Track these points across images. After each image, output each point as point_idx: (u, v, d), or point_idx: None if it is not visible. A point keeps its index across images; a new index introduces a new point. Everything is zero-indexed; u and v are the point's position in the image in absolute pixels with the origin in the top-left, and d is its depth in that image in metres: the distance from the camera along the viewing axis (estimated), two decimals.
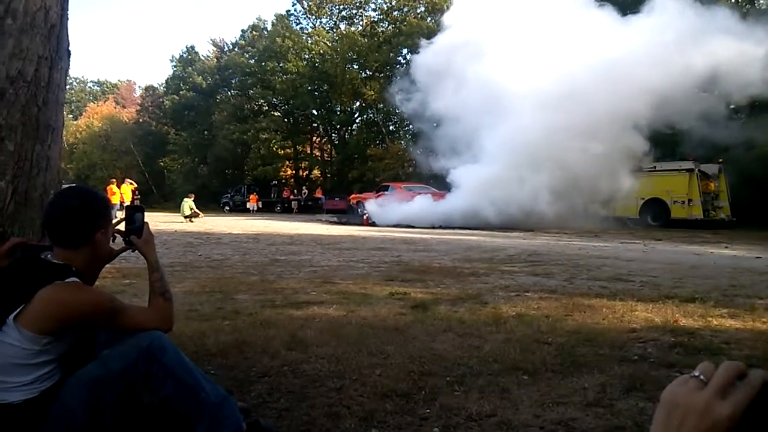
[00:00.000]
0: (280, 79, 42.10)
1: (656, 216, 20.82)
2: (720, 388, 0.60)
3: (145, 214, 2.18)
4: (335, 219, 26.48)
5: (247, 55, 47.37)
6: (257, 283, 6.43)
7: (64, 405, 1.73)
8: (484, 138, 20.49)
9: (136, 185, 24.04)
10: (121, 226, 2.12)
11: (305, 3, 43.62)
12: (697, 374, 0.62)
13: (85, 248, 1.91)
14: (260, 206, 37.82)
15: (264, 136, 41.72)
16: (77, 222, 1.89)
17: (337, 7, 43.16)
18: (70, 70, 2.73)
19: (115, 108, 62.23)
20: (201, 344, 3.55)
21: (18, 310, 1.70)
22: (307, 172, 47.84)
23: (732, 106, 19.61)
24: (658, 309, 4.77)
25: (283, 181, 45.49)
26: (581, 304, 5.09)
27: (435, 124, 24.45)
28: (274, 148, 43.48)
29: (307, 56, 42.00)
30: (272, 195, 41.02)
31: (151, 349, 1.86)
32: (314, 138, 48.64)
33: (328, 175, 45.12)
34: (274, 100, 45.12)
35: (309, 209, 36.77)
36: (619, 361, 3.29)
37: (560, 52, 19.44)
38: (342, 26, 43.19)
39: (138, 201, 28.56)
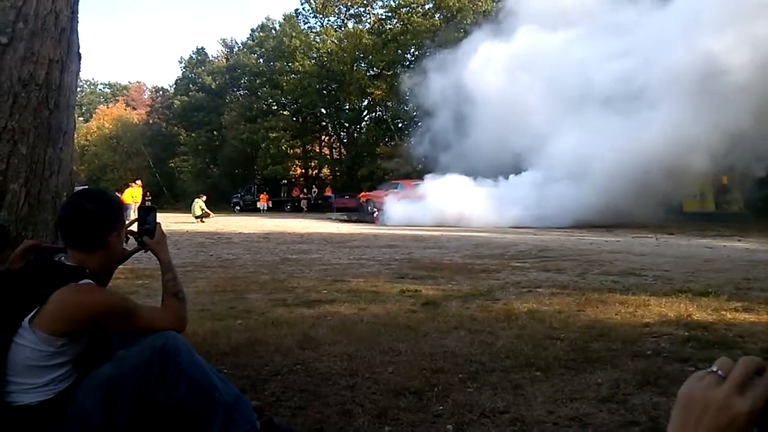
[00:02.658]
0: (288, 78, 42.13)
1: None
2: (738, 384, 0.59)
3: (157, 214, 2.20)
4: (345, 217, 26.46)
5: (255, 55, 47.44)
6: (268, 282, 6.46)
7: (79, 406, 1.75)
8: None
9: (137, 184, 23.93)
10: (134, 227, 2.13)
11: (313, 2, 43.59)
12: (714, 369, 0.62)
13: (99, 250, 1.92)
14: (270, 205, 37.88)
15: (273, 136, 41.70)
16: (91, 225, 1.90)
17: (345, 5, 43.10)
18: (80, 73, 2.75)
19: (125, 110, 62.45)
20: (214, 344, 3.57)
21: (33, 312, 1.71)
22: (316, 170, 47.83)
23: None
24: (671, 303, 4.74)
25: (293, 180, 45.49)
26: (593, 299, 5.07)
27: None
28: (284, 148, 43.45)
29: (315, 55, 41.95)
30: (282, 194, 41.10)
31: (165, 349, 1.87)
32: (323, 137, 48.62)
33: (338, 174, 45.07)
34: (282, 99, 45.12)
35: (319, 208, 36.77)
36: (633, 356, 3.28)
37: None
38: (350, 25, 43.14)
39: (150, 202, 28.74)
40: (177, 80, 53.65)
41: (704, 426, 0.59)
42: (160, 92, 58.86)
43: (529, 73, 21.55)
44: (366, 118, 44.12)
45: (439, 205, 19.43)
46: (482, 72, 23.01)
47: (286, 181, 43.09)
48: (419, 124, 31.39)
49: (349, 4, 42.74)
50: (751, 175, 17.61)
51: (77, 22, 2.64)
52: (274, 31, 47.23)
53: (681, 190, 18.38)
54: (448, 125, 24.62)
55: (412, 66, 35.86)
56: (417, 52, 37.23)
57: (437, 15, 37.42)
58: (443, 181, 20.50)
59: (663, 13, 17.98)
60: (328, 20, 44.50)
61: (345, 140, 45.60)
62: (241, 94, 49.61)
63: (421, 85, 26.13)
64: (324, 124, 46.70)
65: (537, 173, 19.59)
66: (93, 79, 74.50)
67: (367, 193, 28.60)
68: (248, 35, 50.63)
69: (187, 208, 26.15)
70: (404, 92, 33.12)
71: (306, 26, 44.92)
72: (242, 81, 49.01)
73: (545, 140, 19.28)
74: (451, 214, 19.00)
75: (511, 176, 20.79)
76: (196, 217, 22.33)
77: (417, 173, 28.09)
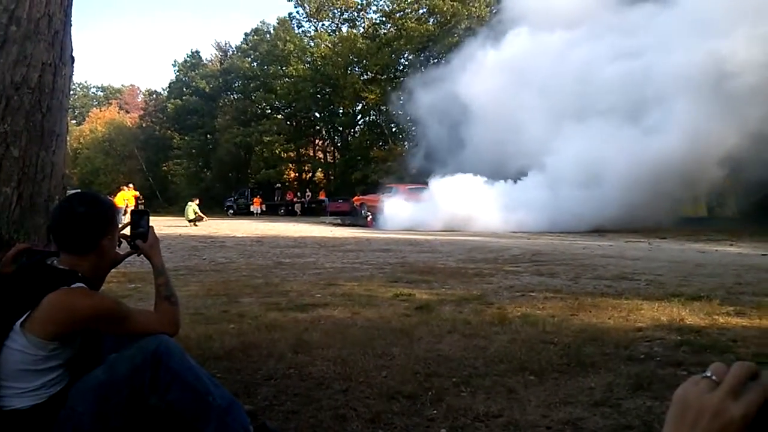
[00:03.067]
0: (282, 82, 42.15)
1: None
2: (732, 389, 0.59)
3: (150, 218, 2.19)
4: (339, 221, 26.45)
5: (249, 59, 47.44)
6: (262, 286, 6.44)
7: (71, 410, 1.73)
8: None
9: (130, 188, 23.82)
10: (127, 231, 2.13)
11: (306, 6, 43.63)
12: (708, 374, 0.62)
13: (92, 254, 1.91)
14: (264, 209, 37.87)
15: (267, 139, 41.72)
16: (84, 228, 1.89)
17: (339, 9, 43.17)
18: (73, 76, 2.74)
19: (118, 113, 62.30)
20: (207, 347, 3.56)
21: (24, 316, 1.70)
22: (310, 174, 47.87)
23: None
24: (664, 307, 4.76)
25: (287, 183, 45.51)
26: (586, 303, 5.08)
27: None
28: (277, 151, 43.51)
29: (309, 59, 42.01)
30: (276, 198, 41.12)
31: (157, 353, 1.86)
32: (317, 140, 48.64)
33: (332, 177, 45.10)
34: (276, 103, 45.14)
35: (312, 212, 36.82)
36: (626, 361, 3.29)
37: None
38: (344, 29, 43.20)
39: (142, 205, 28.61)
40: (171, 83, 53.63)
41: (699, 430, 0.59)
42: (154, 95, 58.67)
43: (528, 78, 21.37)
44: (360, 122, 44.20)
45: (439, 209, 19.00)
46: (481, 77, 22.80)
47: (279, 185, 43.12)
48: (414, 128, 31.38)
49: (343, 8, 42.83)
50: (762, 177, 17.22)
51: (70, 25, 2.63)
52: (268, 35, 47.24)
53: (694, 194, 18.10)
54: (443, 134, 24.44)
55: (406, 71, 35.93)
56: (411, 57, 37.32)
57: (431, 20, 37.50)
58: (446, 183, 19.79)
59: (669, 15, 17.76)
60: (322, 24, 44.63)
61: (339, 144, 45.67)
62: (234, 98, 49.58)
63: (416, 93, 26.03)
64: (318, 127, 46.74)
65: (541, 178, 19.26)
66: (86, 82, 74.31)
67: (361, 196, 28.57)
68: (242, 39, 50.71)
69: (180, 212, 26.05)
70: (398, 100, 33.07)
71: (300, 30, 45.04)
72: (236, 84, 49.03)
73: (550, 146, 18.94)
74: (451, 218, 18.59)
75: (509, 181, 20.65)
76: (190, 221, 22.26)
77: (411, 178, 28.11)
